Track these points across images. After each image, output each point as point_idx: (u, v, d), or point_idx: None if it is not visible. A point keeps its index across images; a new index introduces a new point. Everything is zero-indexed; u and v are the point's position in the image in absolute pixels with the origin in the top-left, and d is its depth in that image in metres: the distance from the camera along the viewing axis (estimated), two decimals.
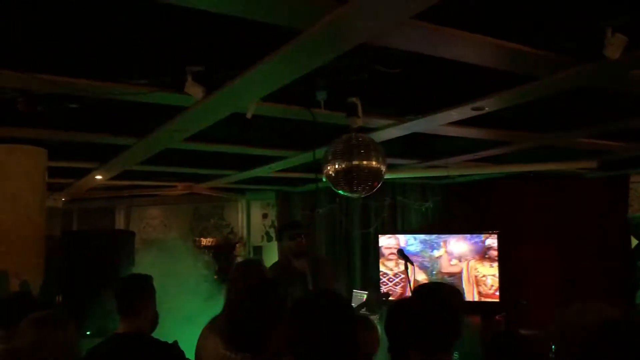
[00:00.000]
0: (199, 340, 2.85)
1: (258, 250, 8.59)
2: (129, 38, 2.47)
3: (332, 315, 1.53)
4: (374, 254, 6.82)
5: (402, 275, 6.34)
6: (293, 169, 5.61)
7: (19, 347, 2.31)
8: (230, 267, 7.90)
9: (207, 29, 2.35)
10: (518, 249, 6.37)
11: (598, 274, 6.09)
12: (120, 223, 6.86)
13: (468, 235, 6.34)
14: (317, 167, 3.62)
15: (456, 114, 3.50)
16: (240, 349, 1.71)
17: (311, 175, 5.88)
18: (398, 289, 6.49)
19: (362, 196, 3.23)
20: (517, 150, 4.88)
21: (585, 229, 6.27)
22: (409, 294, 4.64)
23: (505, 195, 6.63)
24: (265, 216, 8.45)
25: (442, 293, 1.99)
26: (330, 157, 3.08)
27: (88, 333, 4.39)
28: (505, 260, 6.21)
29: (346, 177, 2.98)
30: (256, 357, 1.71)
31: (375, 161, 2.97)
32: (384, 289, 6.44)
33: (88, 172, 5.53)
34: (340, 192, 3.16)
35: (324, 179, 3.40)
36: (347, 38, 2.20)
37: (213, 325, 2.80)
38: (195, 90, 2.79)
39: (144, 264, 5.59)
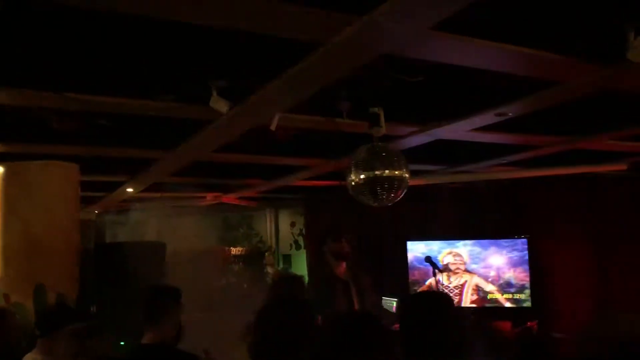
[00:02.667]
0: (232, 347, 2.89)
1: (287, 258, 8.64)
2: (156, 56, 2.54)
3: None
4: (402, 260, 6.79)
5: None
6: (319, 177, 5.64)
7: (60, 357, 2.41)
8: (260, 276, 8.01)
9: (231, 45, 2.40)
10: (550, 252, 6.25)
11: (635, 277, 5.93)
12: (151, 234, 6.98)
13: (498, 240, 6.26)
14: (342, 175, 3.64)
15: (479, 120, 3.49)
16: None
17: (337, 183, 5.91)
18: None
19: (387, 205, 3.23)
20: (546, 153, 4.82)
21: (619, 231, 6.12)
22: None
23: (536, 198, 6.51)
24: (293, 225, 8.50)
25: (428, 303, 1.96)
26: (352, 168, 3.10)
27: (122, 343, 4.49)
28: (537, 265, 6.12)
29: (369, 187, 2.99)
30: None
31: (399, 170, 2.98)
32: None
33: (119, 185, 5.67)
34: (364, 202, 3.17)
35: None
36: (367, 50, 2.23)
37: (243, 335, 2.84)
38: (220, 105, 2.85)
39: (175, 274, 5.70)
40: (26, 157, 4.21)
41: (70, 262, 4.44)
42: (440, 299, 2.04)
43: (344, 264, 4.04)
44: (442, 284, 5.55)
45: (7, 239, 4.29)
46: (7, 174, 4.35)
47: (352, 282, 4.04)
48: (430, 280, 4.96)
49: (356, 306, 4.01)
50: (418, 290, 6.18)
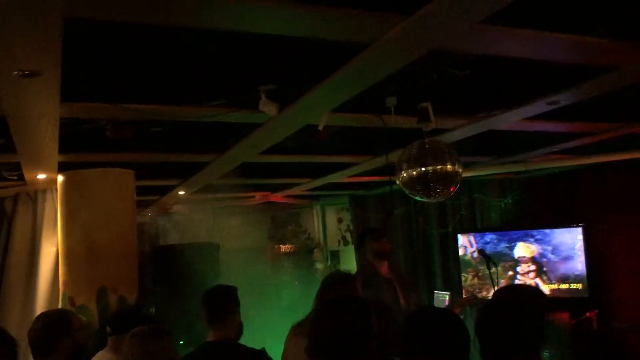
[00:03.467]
0: (285, 342, 2.95)
1: (335, 254, 8.68)
2: (205, 64, 2.60)
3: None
4: (454, 253, 6.72)
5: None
6: (365, 173, 5.64)
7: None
8: (310, 272, 8.07)
9: (279, 50, 2.43)
10: (606, 241, 6.06)
11: None
12: (202, 234, 7.15)
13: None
14: (390, 170, 3.64)
15: (530, 109, 3.42)
16: None
17: (384, 178, 5.89)
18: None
19: (440, 200, 3.21)
20: (600, 140, 4.68)
21: None
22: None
23: (591, 186, 6.30)
24: (340, 221, 8.52)
25: (524, 296, 1.97)
26: (404, 164, 3.09)
27: (182, 342, 4.63)
28: (593, 254, 5.94)
29: (422, 183, 2.98)
30: None
31: (451, 165, 2.96)
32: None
33: (172, 188, 5.82)
34: (417, 198, 3.16)
35: (397, 182, 3.41)
36: (416, 48, 2.22)
37: (298, 329, 2.89)
38: (269, 108, 2.89)
39: (228, 273, 5.83)
40: (84, 166, 4.36)
41: (129, 264, 4.58)
42: (534, 292, 2.07)
43: (386, 263, 4.08)
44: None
45: (69, 245, 4.45)
46: (66, 182, 4.52)
47: (396, 280, 4.07)
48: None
49: (402, 303, 4.03)
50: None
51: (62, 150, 3.67)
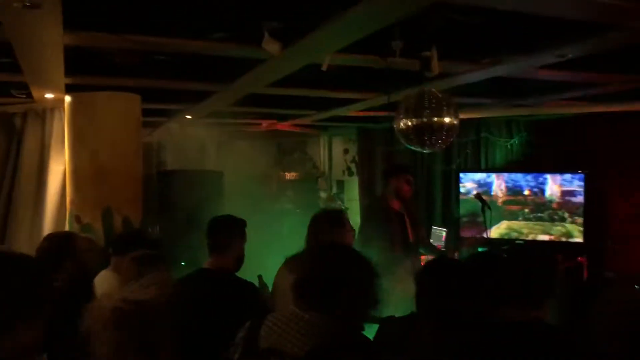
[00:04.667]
0: (275, 277, 3.05)
1: (340, 184, 8.79)
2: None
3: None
4: (455, 191, 6.79)
5: None
6: (372, 108, 5.62)
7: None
8: (313, 201, 8.21)
9: None
10: (610, 191, 6.09)
11: None
12: (208, 159, 7.25)
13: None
14: (393, 108, 3.64)
15: (539, 59, 3.37)
16: (310, 308, 1.83)
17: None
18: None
19: (435, 150, 3.25)
20: (612, 91, 4.62)
21: None
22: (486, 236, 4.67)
23: (597, 133, 6.25)
24: (346, 151, 8.57)
25: (537, 254, 2.07)
26: (402, 113, 3.10)
27: (183, 264, 4.82)
28: (593, 202, 5.99)
29: (417, 133, 3.00)
30: (325, 317, 1.82)
31: (448, 117, 2.97)
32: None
33: (179, 112, 5.85)
34: (411, 147, 3.19)
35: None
36: None
37: (289, 263, 3.00)
38: (272, 47, 2.88)
39: (232, 199, 5.96)
40: (91, 89, 4.39)
41: (134, 187, 4.71)
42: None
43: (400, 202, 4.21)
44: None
45: (75, 165, 4.56)
46: (73, 103, 4.57)
47: (406, 214, 4.21)
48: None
49: (411, 237, 4.19)
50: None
51: (69, 73, 3.69)
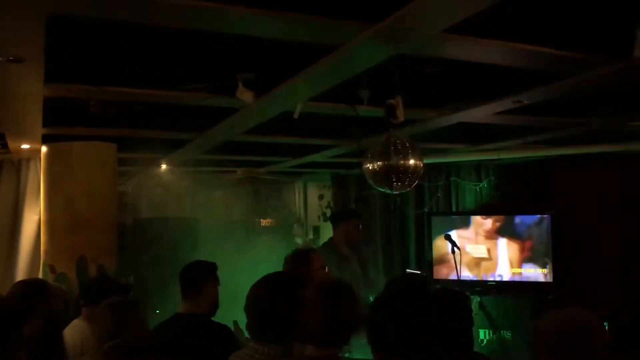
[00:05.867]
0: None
1: (316, 230, 8.85)
2: (186, 51, 2.72)
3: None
4: (428, 235, 6.93)
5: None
6: (345, 155, 5.79)
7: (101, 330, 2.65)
8: (288, 247, 8.23)
9: (256, 44, 2.55)
10: (575, 231, 6.29)
11: None
12: (184, 207, 7.29)
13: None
14: (363, 154, 3.79)
15: (498, 105, 3.59)
16: (267, 341, 1.91)
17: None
18: None
19: (402, 191, 3.39)
20: (572, 133, 4.86)
21: None
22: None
23: (565, 175, 6.50)
24: (321, 197, 8.68)
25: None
26: (370, 156, 3.25)
27: (157, 312, 4.80)
28: (560, 242, 6.17)
29: (385, 175, 3.15)
30: (285, 348, 1.90)
31: (413, 160, 3.13)
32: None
33: (154, 161, 5.94)
34: (380, 189, 3.34)
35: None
36: (383, 52, 2.36)
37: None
38: (246, 96, 3.02)
39: (207, 245, 5.99)
40: (67, 139, 4.46)
41: (109, 235, 4.72)
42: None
43: (351, 248, 4.28)
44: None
45: (51, 215, 4.58)
46: (50, 153, 4.62)
47: (356, 260, 4.27)
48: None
49: (360, 282, 4.23)
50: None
51: (46, 124, 3.77)
